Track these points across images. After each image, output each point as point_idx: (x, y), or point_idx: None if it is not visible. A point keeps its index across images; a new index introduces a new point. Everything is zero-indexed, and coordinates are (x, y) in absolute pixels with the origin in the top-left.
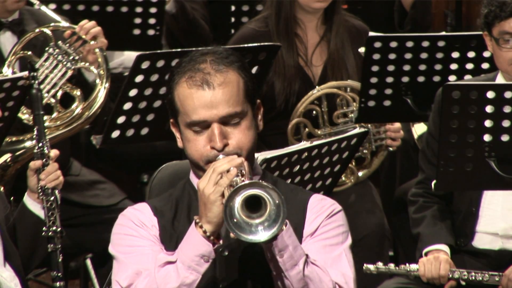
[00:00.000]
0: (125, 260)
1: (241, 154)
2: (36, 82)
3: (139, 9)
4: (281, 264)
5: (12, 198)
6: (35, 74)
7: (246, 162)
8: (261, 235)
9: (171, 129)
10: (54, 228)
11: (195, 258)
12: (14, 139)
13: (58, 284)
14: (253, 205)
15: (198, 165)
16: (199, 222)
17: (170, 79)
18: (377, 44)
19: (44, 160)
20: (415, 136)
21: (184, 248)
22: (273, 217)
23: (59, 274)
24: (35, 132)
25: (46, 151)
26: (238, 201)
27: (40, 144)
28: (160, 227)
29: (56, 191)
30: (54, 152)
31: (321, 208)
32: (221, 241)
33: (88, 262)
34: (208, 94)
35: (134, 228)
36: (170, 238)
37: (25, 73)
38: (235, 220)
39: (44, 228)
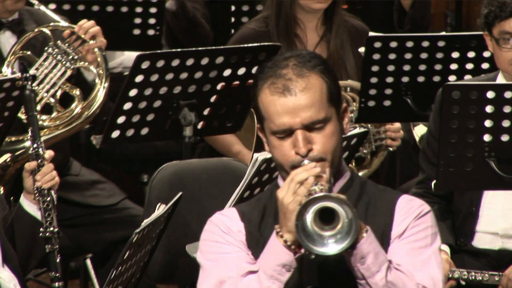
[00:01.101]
0: (210, 269)
1: (325, 158)
2: (29, 83)
3: (139, 9)
4: (363, 271)
5: (12, 198)
6: (28, 75)
7: (329, 169)
8: (331, 248)
9: (171, 129)
10: (51, 228)
11: (276, 267)
12: (14, 139)
13: (57, 284)
14: (327, 216)
15: (285, 170)
16: (279, 231)
17: (254, 85)
18: (377, 44)
19: (40, 161)
20: (417, 138)
21: (266, 257)
22: (346, 229)
23: (57, 274)
24: (30, 133)
25: (41, 152)
26: (310, 213)
27: (35, 145)
28: (246, 233)
29: (52, 192)
30: (49, 153)
31: (409, 209)
32: (302, 250)
33: (88, 262)
34: (290, 101)
35: (221, 235)
36: (257, 243)
37: (18, 75)
38: (307, 232)
39: (41, 229)
